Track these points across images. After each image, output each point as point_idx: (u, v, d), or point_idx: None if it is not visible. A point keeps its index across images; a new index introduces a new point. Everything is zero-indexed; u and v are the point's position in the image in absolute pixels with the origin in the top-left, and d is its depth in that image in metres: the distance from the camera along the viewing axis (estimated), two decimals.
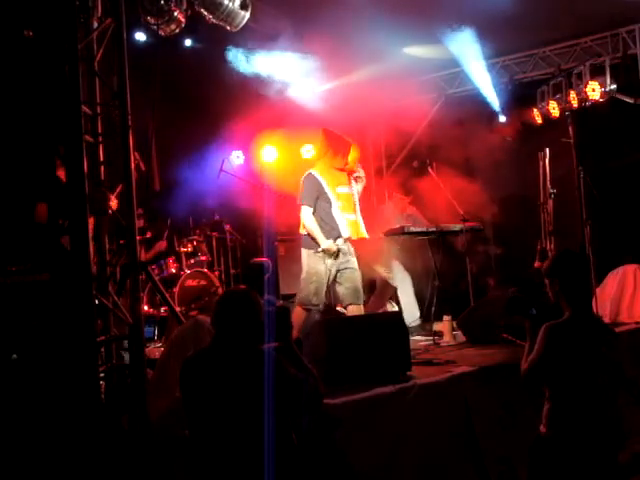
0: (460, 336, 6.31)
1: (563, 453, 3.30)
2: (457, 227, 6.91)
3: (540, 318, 3.41)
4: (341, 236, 5.96)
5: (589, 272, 3.54)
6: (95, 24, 4.56)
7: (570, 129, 6.97)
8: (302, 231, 6.10)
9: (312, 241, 5.98)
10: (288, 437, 3.18)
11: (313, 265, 5.94)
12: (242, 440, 3.09)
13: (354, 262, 6.07)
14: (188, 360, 3.35)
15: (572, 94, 8.15)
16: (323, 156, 6.17)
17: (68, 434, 3.80)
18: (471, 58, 8.29)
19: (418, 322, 7.17)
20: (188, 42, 7.67)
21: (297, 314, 5.82)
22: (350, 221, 6.07)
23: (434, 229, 6.92)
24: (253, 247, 8.76)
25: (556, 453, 3.31)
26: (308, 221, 5.98)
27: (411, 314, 7.04)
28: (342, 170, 6.14)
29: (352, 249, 6.11)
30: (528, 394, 4.02)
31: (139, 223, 5.97)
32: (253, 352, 3.19)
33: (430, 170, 7.23)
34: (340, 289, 6.02)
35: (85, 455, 3.76)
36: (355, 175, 6.23)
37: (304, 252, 6.04)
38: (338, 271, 5.99)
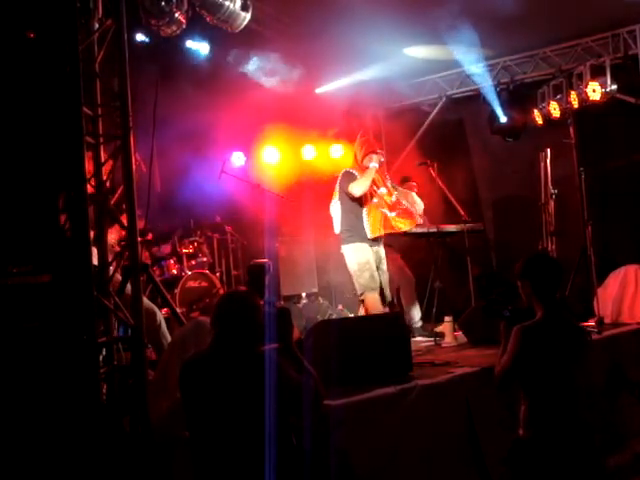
0: (461, 337, 6.30)
1: (540, 455, 3.29)
2: (457, 228, 6.90)
3: (514, 320, 3.42)
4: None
5: (560, 274, 3.58)
6: (96, 25, 4.54)
7: (571, 130, 6.98)
8: (337, 230, 6.35)
9: (351, 236, 6.23)
10: (288, 439, 3.18)
11: (362, 255, 6.19)
12: (242, 442, 3.09)
13: (385, 264, 6.38)
14: (188, 362, 3.35)
15: (573, 95, 8.14)
16: (359, 158, 6.39)
17: (69, 435, 3.80)
18: (472, 59, 8.29)
19: (420, 324, 7.16)
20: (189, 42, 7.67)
21: (373, 302, 6.11)
22: (385, 216, 6.33)
23: (434, 229, 6.91)
24: (254, 248, 8.75)
25: (534, 455, 3.30)
26: (360, 185, 6.14)
27: (412, 316, 7.04)
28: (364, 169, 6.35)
29: (383, 252, 6.40)
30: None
31: (140, 224, 5.96)
32: (252, 354, 3.19)
33: (431, 171, 7.22)
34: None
35: (86, 456, 3.76)
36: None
37: (347, 248, 6.26)
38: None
